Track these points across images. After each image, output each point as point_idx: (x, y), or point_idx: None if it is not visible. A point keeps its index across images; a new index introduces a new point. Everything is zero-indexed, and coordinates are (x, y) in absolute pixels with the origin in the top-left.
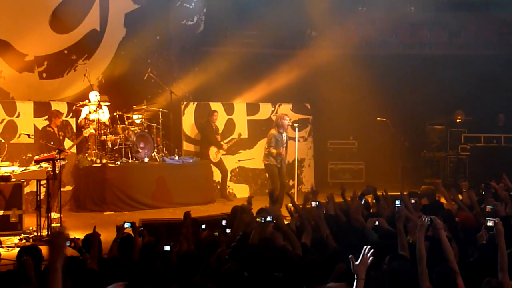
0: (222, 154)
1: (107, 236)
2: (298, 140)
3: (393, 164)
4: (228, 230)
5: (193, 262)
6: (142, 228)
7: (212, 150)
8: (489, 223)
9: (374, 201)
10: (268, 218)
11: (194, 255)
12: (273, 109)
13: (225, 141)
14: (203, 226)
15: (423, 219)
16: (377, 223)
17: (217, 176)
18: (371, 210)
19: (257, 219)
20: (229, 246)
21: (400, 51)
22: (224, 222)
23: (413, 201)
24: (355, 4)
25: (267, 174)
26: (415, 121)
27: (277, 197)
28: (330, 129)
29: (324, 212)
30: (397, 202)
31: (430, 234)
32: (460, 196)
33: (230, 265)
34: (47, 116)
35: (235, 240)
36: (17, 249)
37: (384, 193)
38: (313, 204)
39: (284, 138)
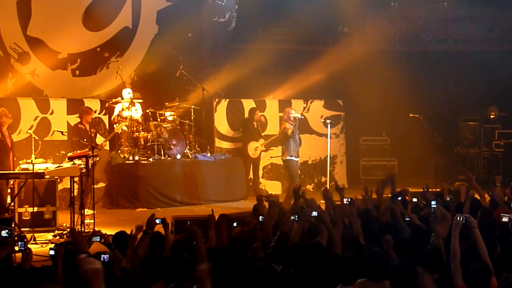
0: (262, 151)
1: (140, 233)
2: (330, 137)
3: (426, 161)
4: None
5: (225, 257)
6: (189, 222)
7: (251, 146)
8: (504, 219)
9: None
10: (314, 213)
11: (226, 250)
12: (305, 105)
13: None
14: (235, 224)
15: (458, 217)
16: (407, 218)
17: (250, 173)
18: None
19: (291, 217)
20: (265, 242)
21: (432, 46)
22: (260, 218)
23: (448, 198)
24: (387, 0)
25: (288, 171)
26: (448, 117)
27: (302, 193)
28: (362, 126)
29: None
30: (433, 202)
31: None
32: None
33: (263, 262)
34: (78, 114)
35: (273, 239)
36: (51, 245)
37: (424, 189)
38: (345, 200)
39: (296, 134)
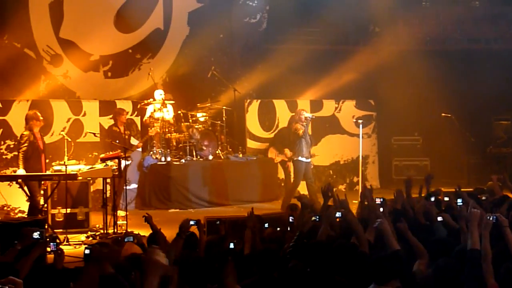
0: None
1: (173, 234)
2: (362, 137)
3: (458, 160)
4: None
5: (272, 258)
6: (218, 222)
7: (272, 152)
8: None
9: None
10: (338, 214)
11: (273, 252)
12: (336, 105)
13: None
14: (266, 225)
15: (488, 217)
16: (440, 218)
17: (281, 173)
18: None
19: (312, 218)
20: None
21: (464, 46)
22: (291, 219)
23: (483, 197)
24: None
25: (292, 170)
26: (480, 116)
27: (332, 194)
28: (394, 126)
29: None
30: (459, 200)
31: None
32: None
33: (296, 263)
34: (111, 116)
35: (292, 239)
36: (83, 247)
37: (457, 190)
38: (378, 200)
39: (307, 135)
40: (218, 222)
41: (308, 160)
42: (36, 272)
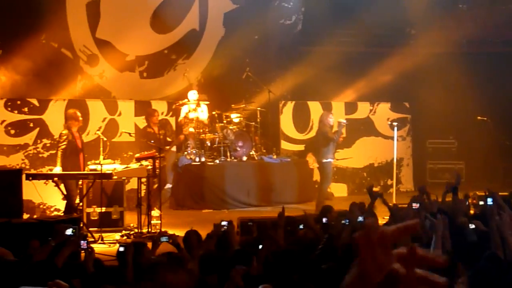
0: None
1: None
2: (397, 140)
3: (493, 164)
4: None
5: (291, 260)
6: (250, 223)
7: (310, 158)
8: None
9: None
10: (360, 218)
11: (292, 253)
12: (371, 108)
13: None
14: (301, 226)
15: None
16: (472, 226)
17: (316, 175)
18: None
19: (342, 222)
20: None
21: (500, 48)
22: (324, 220)
23: None
24: (455, 1)
25: (323, 173)
26: None
27: (377, 193)
28: (429, 128)
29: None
30: (489, 200)
31: None
32: None
33: (331, 264)
34: (144, 117)
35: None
36: (118, 245)
37: (486, 193)
38: (414, 206)
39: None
40: (250, 223)
41: (332, 161)
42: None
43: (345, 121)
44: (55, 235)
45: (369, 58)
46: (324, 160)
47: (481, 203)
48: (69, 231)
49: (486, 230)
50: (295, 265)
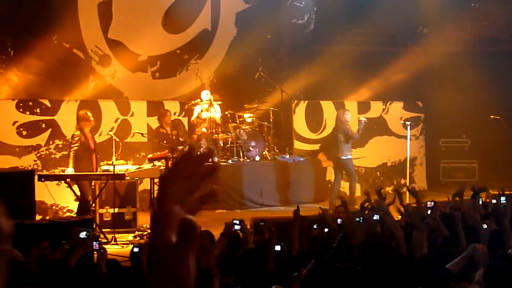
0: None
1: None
2: (410, 139)
3: (507, 163)
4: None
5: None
6: (262, 223)
7: (322, 157)
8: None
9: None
10: (376, 216)
11: (314, 254)
12: (384, 107)
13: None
14: (315, 226)
15: None
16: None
17: (329, 175)
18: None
19: (356, 219)
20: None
21: None
22: (339, 221)
23: None
24: (467, 0)
25: (348, 169)
26: None
27: (385, 194)
28: (442, 127)
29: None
30: (502, 198)
31: None
32: None
33: (348, 264)
34: (156, 117)
35: (335, 240)
36: (131, 246)
37: (500, 192)
38: (429, 204)
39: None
40: (262, 223)
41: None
42: (82, 271)
43: (365, 119)
44: (69, 237)
45: (381, 57)
46: (344, 157)
47: (494, 201)
48: (83, 234)
49: (497, 228)
50: (314, 266)
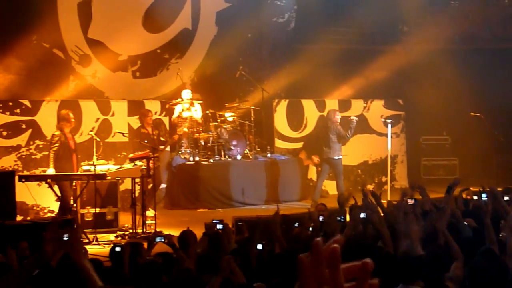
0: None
1: (201, 234)
2: (391, 137)
3: (488, 160)
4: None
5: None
6: (241, 223)
7: (302, 155)
8: None
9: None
10: (362, 215)
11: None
12: (365, 105)
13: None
14: (296, 224)
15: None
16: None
17: (311, 173)
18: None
19: (337, 218)
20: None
21: (493, 45)
22: (321, 218)
23: (506, 198)
24: None
25: (338, 169)
26: (509, 115)
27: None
28: (423, 125)
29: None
30: (484, 195)
31: None
32: None
33: None
34: (138, 117)
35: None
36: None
37: (481, 189)
38: (410, 201)
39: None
40: (240, 223)
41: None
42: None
43: (356, 118)
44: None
45: (362, 55)
46: (336, 157)
47: (475, 197)
48: (66, 237)
49: (477, 227)
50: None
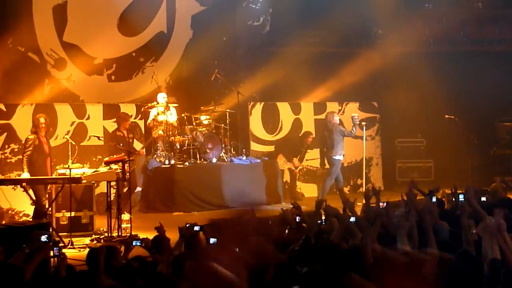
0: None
1: (177, 237)
2: (366, 139)
3: (462, 162)
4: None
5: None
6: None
7: (281, 159)
8: None
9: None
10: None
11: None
12: (340, 108)
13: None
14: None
15: (488, 220)
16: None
17: (286, 176)
18: (446, 207)
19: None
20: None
21: (467, 47)
22: (297, 219)
23: (483, 199)
24: (421, 1)
25: (332, 168)
26: (484, 118)
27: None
28: (398, 128)
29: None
30: (461, 196)
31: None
32: None
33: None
34: (115, 119)
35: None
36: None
37: (453, 190)
38: (381, 204)
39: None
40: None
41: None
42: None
43: (357, 115)
44: (29, 241)
45: (337, 58)
46: (338, 157)
47: (454, 199)
48: (44, 238)
49: (452, 230)
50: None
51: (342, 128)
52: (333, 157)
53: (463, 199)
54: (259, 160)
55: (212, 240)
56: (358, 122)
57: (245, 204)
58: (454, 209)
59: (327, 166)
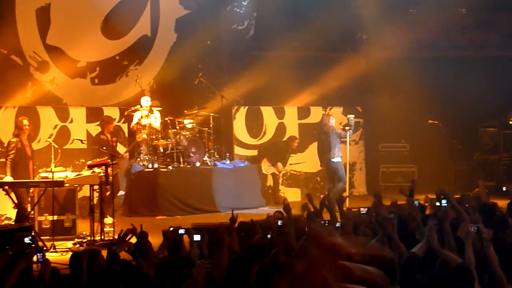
0: (273, 173)
1: (160, 241)
2: (350, 144)
3: (445, 167)
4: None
5: (246, 266)
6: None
7: (265, 163)
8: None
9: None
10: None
11: (246, 259)
12: (324, 112)
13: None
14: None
15: (470, 227)
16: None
17: (269, 180)
18: (427, 212)
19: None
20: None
21: (451, 53)
22: (279, 222)
23: (466, 205)
24: (405, 6)
25: (338, 173)
26: (467, 123)
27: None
28: (381, 132)
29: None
30: (444, 201)
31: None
32: None
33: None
34: (99, 123)
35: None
36: (70, 254)
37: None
38: (362, 210)
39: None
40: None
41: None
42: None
43: (353, 115)
44: (13, 244)
45: (321, 62)
46: (336, 159)
47: (438, 204)
48: (27, 239)
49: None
50: (248, 272)
51: (338, 131)
52: (332, 160)
53: (445, 204)
54: (246, 163)
55: (196, 237)
56: (352, 123)
57: (229, 208)
58: (436, 214)
59: (330, 171)
